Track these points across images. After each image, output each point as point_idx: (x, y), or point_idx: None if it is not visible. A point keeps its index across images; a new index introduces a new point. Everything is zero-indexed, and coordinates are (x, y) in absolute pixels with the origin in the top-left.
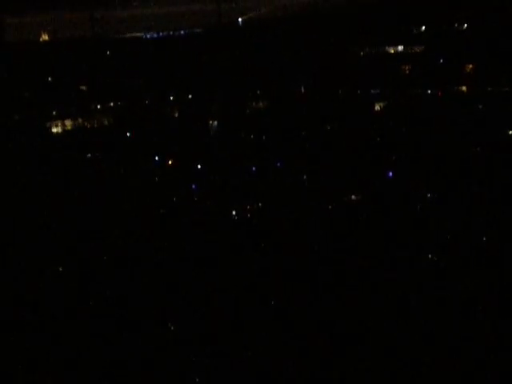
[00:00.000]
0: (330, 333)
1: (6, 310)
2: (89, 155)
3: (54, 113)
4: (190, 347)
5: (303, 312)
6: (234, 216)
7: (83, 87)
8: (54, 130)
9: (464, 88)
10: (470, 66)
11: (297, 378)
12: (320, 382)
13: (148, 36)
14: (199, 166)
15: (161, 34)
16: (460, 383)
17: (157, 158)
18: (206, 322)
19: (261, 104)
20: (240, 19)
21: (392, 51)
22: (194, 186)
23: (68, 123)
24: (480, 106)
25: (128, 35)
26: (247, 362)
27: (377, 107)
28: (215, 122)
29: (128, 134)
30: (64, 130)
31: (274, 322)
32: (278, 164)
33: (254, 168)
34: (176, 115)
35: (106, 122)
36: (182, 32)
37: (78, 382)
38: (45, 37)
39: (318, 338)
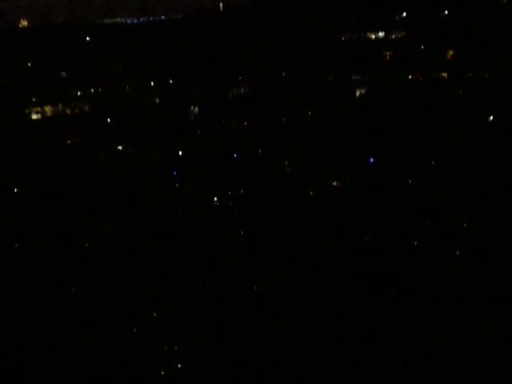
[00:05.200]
0: (315, 319)
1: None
2: (69, 141)
3: (34, 99)
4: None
5: (289, 300)
6: (216, 203)
7: (63, 73)
8: (34, 116)
9: (445, 74)
10: (451, 51)
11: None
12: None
13: (128, 21)
14: (180, 153)
15: (141, 19)
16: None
17: (137, 144)
18: (192, 313)
19: (242, 90)
20: (221, 4)
21: (373, 37)
22: (174, 173)
23: (48, 109)
24: (460, 92)
25: (108, 21)
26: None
27: (358, 93)
28: (196, 108)
29: (108, 121)
30: (44, 117)
31: (259, 308)
32: (260, 150)
33: (235, 154)
34: (157, 101)
35: (86, 109)
36: (163, 17)
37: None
38: (24, 23)
39: (302, 324)
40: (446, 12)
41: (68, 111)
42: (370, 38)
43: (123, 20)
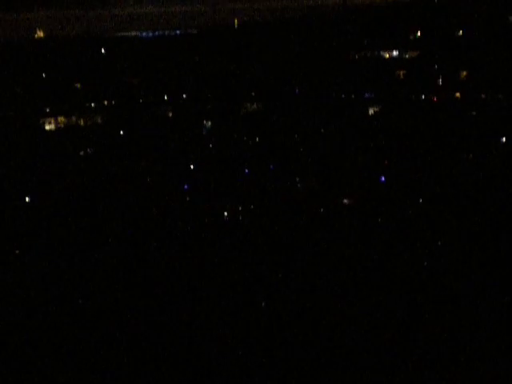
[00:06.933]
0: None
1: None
2: (81, 153)
3: (48, 110)
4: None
5: (294, 314)
6: (226, 217)
7: (77, 85)
8: (47, 127)
9: (458, 94)
10: (465, 72)
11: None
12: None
13: (143, 35)
14: (192, 167)
15: (156, 33)
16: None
17: (149, 157)
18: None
19: (255, 106)
20: (236, 20)
21: (387, 56)
22: (186, 187)
23: (61, 121)
24: (473, 113)
25: (123, 34)
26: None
27: (371, 111)
28: (209, 123)
29: (121, 133)
30: (57, 128)
31: (266, 323)
32: (272, 166)
33: (246, 170)
34: (170, 115)
35: (99, 121)
36: (178, 32)
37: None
38: (40, 34)
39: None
40: (460, 32)
41: (81, 123)
42: (385, 57)
43: (138, 33)
